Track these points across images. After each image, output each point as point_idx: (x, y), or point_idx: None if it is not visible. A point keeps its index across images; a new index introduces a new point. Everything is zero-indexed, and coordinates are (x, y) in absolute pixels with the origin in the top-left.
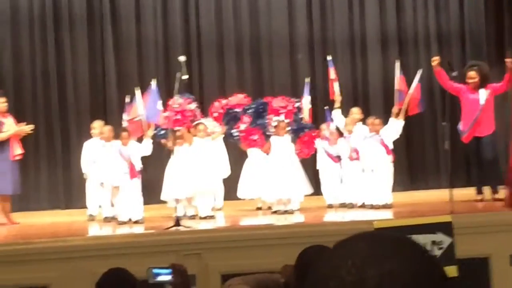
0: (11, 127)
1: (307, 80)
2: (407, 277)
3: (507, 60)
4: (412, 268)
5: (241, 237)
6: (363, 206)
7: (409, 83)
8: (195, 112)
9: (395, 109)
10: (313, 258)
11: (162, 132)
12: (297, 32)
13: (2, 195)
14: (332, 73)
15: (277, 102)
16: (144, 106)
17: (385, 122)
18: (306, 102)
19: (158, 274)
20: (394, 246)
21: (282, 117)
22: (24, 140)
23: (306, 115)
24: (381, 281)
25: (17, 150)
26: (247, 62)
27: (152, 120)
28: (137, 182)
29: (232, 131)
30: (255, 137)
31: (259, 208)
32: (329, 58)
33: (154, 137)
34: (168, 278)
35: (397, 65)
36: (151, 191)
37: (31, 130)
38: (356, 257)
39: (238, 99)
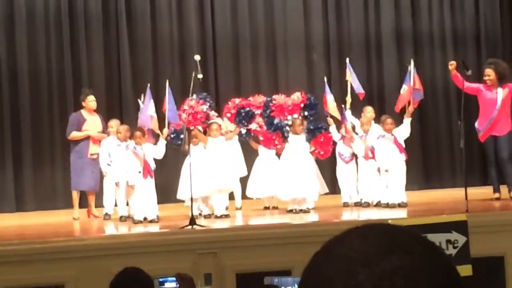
0: (94, 126)
1: (325, 79)
2: (420, 274)
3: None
4: (425, 264)
5: (256, 236)
6: (378, 205)
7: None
8: (207, 113)
9: (410, 109)
10: None
11: (178, 142)
12: (312, 32)
13: (82, 191)
14: (348, 75)
15: (279, 99)
16: (163, 107)
17: (400, 121)
18: (330, 100)
19: (164, 283)
20: (398, 239)
21: (295, 115)
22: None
23: (335, 112)
24: (392, 279)
25: (93, 149)
26: (262, 61)
27: (173, 120)
28: (151, 182)
29: (243, 131)
30: (276, 141)
31: (266, 208)
32: (347, 60)
33: (168, 139)
34: (173, 285)
35: (412, 64)
36: (168, 190)
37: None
38: (360, 255)
39: (259, 100)
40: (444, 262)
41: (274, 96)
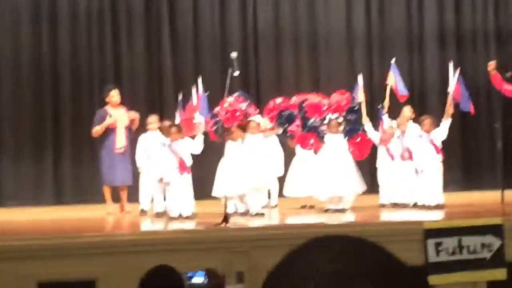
0: (120, 120)
1: (360, 78)
2: None
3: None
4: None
5: (290, 235)
6: (415, 206)
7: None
8: (247, 111)
9: (450, 110)
10: None
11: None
12: (354, 28)
13: (112, 186)
14: (390, 77)
15: (313, 99)
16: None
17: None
18: (359, 93)
19: (192, 278)
20: (364, 257)
21: (334, 115)
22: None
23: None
24: None
25: (119, 143)
26: (304, 57)
27: (204, 115)
28: (188, 178)
29: (280, 131)
30: (311, 141)
31: (303, 207)
32: (392, 61)
33: (205, 133)
34: (201, 281)
35: (451, 66)
36: (205, 186)
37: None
38: (320, 277)
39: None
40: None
41: (307, 96)
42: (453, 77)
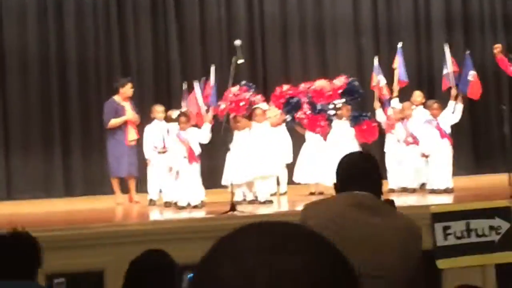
0: (128, 112)
1: (376, 60)
2: (309, 277)
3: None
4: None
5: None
6: (423, 188)
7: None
8: (251, 100)
9: (453, 92)
10: None
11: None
12: (361, 15)
13: (120, 178)
14: (396, 62)
15: (318, 84)
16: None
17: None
18: (381, 79)
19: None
20: (289, 240)
21: (340, 101)
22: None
23: (385, 91)
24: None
25: (132, 136)
26: (310, 45)
27: (213, 105)
28: (196, 167)
29: (289, 118)
30: (322, 123)
31: (312, 193)
32: (399, 45)
33: (213, 123)
34: None
35: (446, 47)
36: (215, 175)
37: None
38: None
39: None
40: (338, 260)
41: (316, 82)
42: (450, 59)
